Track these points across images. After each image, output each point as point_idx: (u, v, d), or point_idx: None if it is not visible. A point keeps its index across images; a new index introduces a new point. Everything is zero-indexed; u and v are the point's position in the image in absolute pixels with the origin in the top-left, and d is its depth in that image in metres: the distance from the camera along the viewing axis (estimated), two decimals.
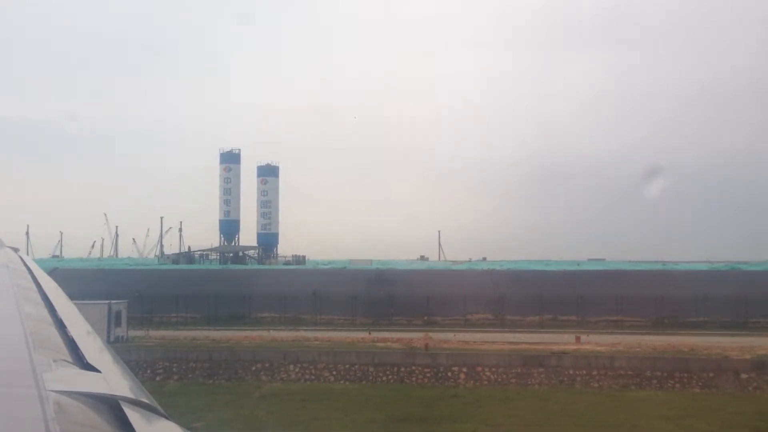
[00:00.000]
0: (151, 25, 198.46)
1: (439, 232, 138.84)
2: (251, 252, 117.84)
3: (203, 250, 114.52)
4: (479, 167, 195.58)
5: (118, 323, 49.44)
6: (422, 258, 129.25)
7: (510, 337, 50.61)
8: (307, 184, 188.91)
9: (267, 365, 44.14)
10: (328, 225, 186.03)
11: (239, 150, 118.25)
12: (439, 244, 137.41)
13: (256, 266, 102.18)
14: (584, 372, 41.91)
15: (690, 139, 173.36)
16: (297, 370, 43.91)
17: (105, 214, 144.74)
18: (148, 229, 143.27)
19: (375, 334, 52.19)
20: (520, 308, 60.04)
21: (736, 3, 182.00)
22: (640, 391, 40.42)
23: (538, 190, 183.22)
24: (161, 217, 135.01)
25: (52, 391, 2.18)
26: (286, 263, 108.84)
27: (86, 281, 59.61)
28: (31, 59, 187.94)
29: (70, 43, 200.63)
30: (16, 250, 8.03)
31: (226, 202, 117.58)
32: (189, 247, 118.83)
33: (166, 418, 2.39)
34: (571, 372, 42.01)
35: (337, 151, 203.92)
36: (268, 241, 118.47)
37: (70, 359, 2.89)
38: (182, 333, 53.28)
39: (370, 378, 43.39)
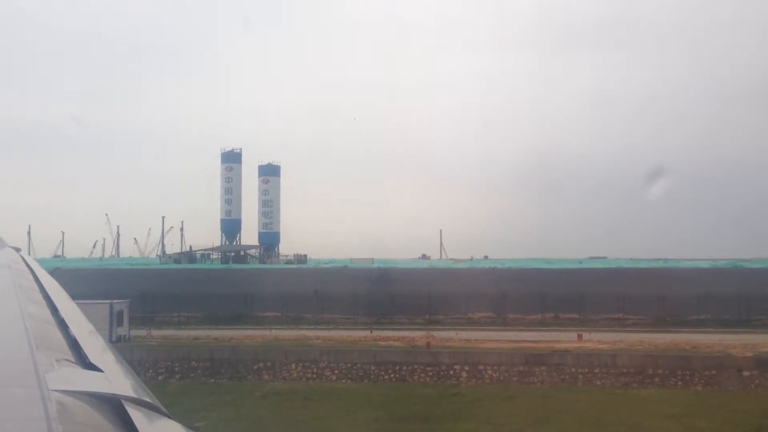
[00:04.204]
0: (152, 26, 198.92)
1: (440, 230, 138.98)
2: (253, 251, 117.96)
3: (205, 250, 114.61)
4: (480, 166, 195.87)
5: (120, 323, 49.48)
6: (424, 257, 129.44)
7: (512, 335, 50.58)
8: (308, 183, 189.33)
9: (269, 364, 44.16)
10: (330, 224, 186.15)
11: (240, 149, 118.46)
12: (441, 242, 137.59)
13: (258, 265, 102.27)
14: (586, 370, 41.90)
15: (691, 138, 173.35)
16: (299, 369, 43.92)
17: (106, 214, 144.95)
18: (150, 229, 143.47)
19: (377, 333, 52.19)
20: (521, 306, 60.00)
21: (736, 3, 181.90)
22: (642, 389, 40.39)
23: (539, 189, 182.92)
24: (163, 217, 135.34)
25: (55, 390, 2.18)
26: (288, 262, 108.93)
27: (88, 281, 59.62)
28: (32, 60, 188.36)
29: (71, 44, 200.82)
30: (18, 250, 8.03)
31: (228, 202, 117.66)
32: (190, 247, 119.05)
33: (169, 417, 2.39)
34: (573, 370, 42.01)
35: (339, 150, 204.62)
36: (269, 240, 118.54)
37: (72, 359, 2.89)
38: (184, 332, 53.32)
39: (372, 377, 43.41)
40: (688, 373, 41.11)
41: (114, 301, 49.30)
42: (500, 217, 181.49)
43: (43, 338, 3.13)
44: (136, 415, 2.15)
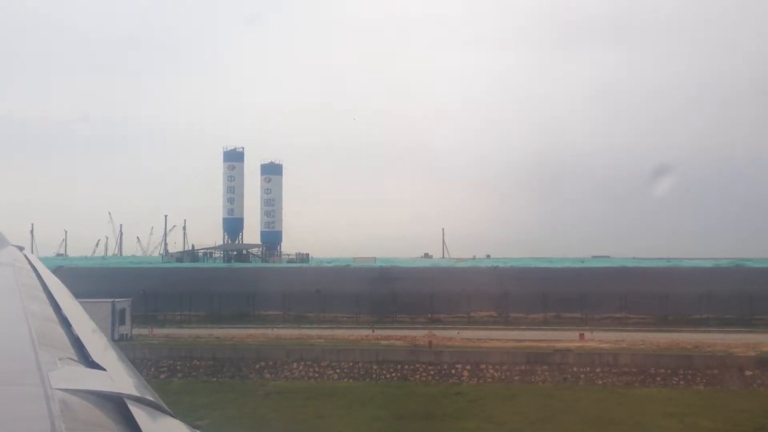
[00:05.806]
0: (153, 25, 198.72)
1: (443, 229, 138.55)
2: (255, 250, 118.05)
3: (207, 249, 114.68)
4: (483, 164, 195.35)
5: (122, 321, 49.53)
6: (426, 255, 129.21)
7: (514, 334, 50.57)
8: (310, 182, 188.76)
9: (271, 363, 44.19)
10: (332, 223, 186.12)
11: (243, 148, 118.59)
12: (443, 241, 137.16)
13: (260, 264, 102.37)
14: (588, 369, 41.88)
15: (694, 136, 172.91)
16: (301, 367, 43.96)
17: (109, 213, 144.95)
18: (152, 228, 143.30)
19: (379, 332, 52.21)
20: (523, 305, 59.99)
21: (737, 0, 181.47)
22: (644, 388, 40.36)
23: (542, 188, 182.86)
24: (165, 216, 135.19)
25: (58, 389, 2.19)
26: (290, 261, 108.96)
27: (91, 279, 59.66)
28: (34, 60, 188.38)
29: (73, 43, 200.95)
30: (21, 248, 8.04)
31: (230, 200, 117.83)
32: (193, 246, 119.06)
33: (171, 416, 2.39)
34: (575, 369, 41.98)
35: (340, 148, 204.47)
36: (271, 239, 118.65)
37: (75, 357, 2.90)
38: (186, 331, 53.38)
39: (374, 376, 43.42)
40: (690, 372, 41.06)
41: (116, 299, 49.33)
42: (502, 216, 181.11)
43: (46, 336, 3.14)
44: (138, 413, 2.16)
